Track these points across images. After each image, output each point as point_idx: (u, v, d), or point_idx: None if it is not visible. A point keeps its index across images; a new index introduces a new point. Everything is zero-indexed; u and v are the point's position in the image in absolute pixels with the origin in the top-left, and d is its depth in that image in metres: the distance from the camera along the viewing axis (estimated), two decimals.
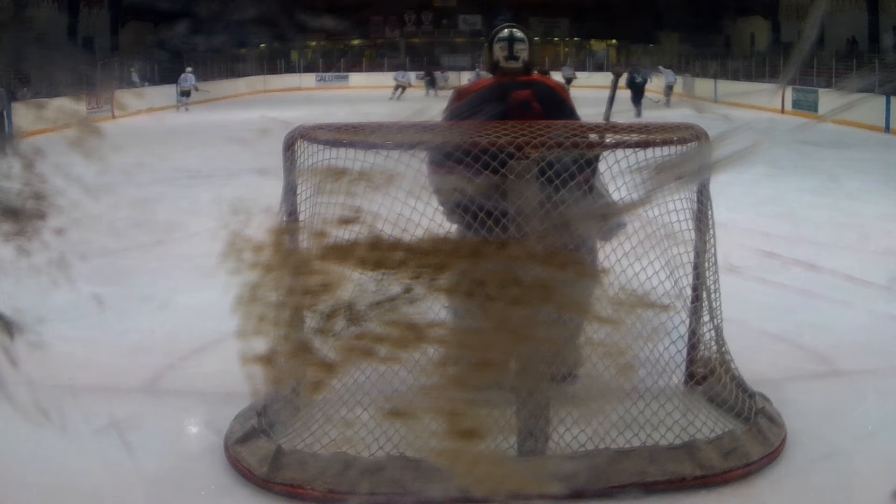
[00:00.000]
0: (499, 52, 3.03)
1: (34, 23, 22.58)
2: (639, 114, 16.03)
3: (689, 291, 3.01)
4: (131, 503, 2.53)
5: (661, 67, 23.65)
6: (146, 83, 23.53)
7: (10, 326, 2.32)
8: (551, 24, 39.62)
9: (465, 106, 2.91)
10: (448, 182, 2.53)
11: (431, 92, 27.01)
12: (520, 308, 2.15)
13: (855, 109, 12.46)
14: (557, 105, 2.93)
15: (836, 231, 6.38)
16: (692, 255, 3.01)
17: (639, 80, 17.93)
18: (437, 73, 28.78)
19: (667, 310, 2.83)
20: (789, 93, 18.82)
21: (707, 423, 2.77)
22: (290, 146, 2.92)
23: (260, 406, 2.85)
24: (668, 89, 22.34)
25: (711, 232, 3.09)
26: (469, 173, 2.44)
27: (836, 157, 11.03)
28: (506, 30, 3.08)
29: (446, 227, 2.59)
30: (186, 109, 21.95)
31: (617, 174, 2.64)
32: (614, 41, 38.80)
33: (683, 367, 3.13)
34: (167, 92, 23.01)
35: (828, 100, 16.90)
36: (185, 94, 22.56)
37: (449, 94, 3.16)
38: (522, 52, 3.03)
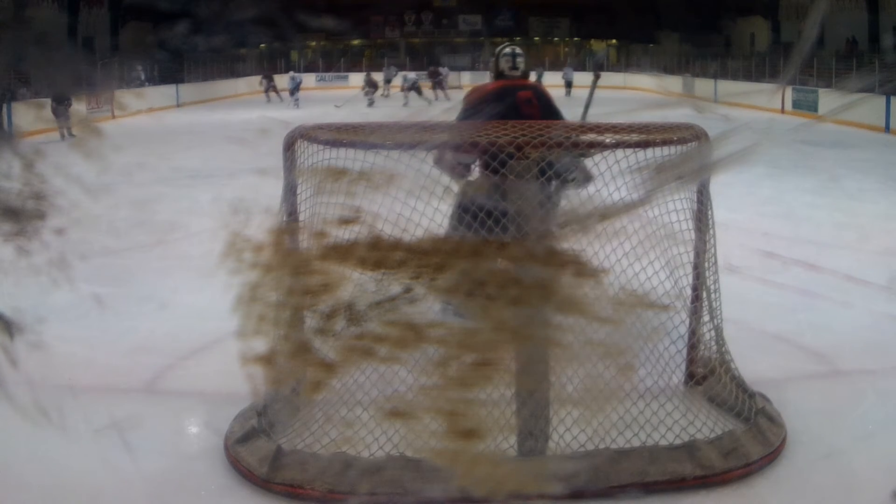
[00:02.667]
0: (504, 63, 3.84)
1: (34, 23, 22.56)
2: None
3: (689, 291, 3.01)
4: (131, 503, 2.54)
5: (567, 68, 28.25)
6: (147, 83, 23.55)
7: (10, 326, 2.32)
8: (551, 24, 39.62)
9: (481, 101, 3.63)
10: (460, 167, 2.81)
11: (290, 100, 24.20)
12: (519, 307, 2.15)
13: (855, 109, 12.45)
14: (549, 104, 3.72)
15: (836, 231, 6.38)
16: (692, 255, 3.01)
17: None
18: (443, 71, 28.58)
19: (667, 310, 2.84)
20: (789, 93, 18.81)
21: (707, 423, 2.77)
22: (290, 146, 2.92)
23: (260, 406, 2.85)
24: (568, 85, 26.33)
25: (711, 232, 3.09)
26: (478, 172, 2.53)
27: (836, 157, 11.03)
28: (508, 47, 3.88)
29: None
30: (297, 104, 23.82)
31: (617, 174, 2.64)
32: (614, 41, 38.79)
33: (683, 367, 3.13)
34: (167, 92, 23.00)
35: (828, 100, 16.89)
36: (294, 91, 24.55)
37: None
38: (521, 63, 3.84)
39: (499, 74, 3.83)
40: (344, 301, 2.22)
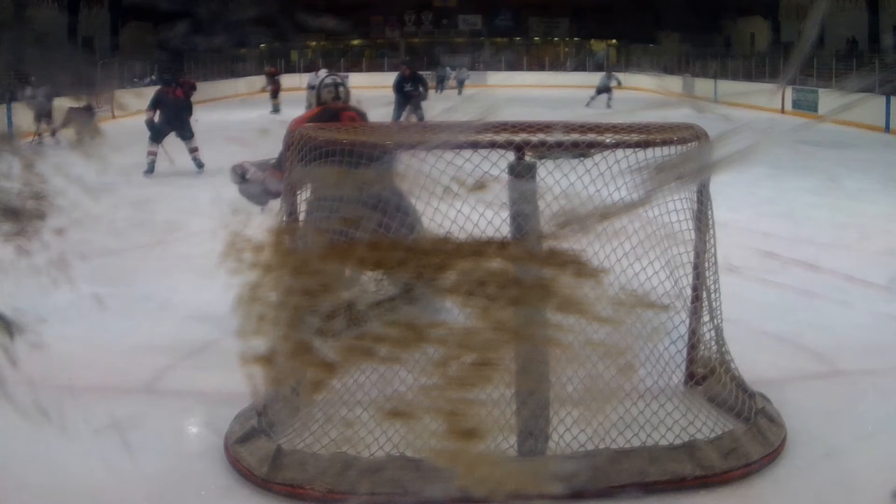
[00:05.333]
0: (326, 94, 4.09)
1: (34, 23, 22.56)
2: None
3: (689, 291, 3.01)
4: (131, 503, 2.54)
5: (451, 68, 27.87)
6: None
7: (10, 326, 2.31)
8: (551, 24, 39.63)
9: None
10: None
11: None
12: (519, 307, 2.15)
13: (855, 109, 12.45)
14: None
15: (836, 231, 6.38)
16: (692, 255, 3.01)
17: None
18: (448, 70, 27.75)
19: (667, 310, 2.84)
20: (789, 93, 18.80)
21: (707, 423, 2.77)
22: (289, 146, 2.92)
23: (260, 406, 2.85)
24: (461, 84, 27.01)
25: (711, 232, 3.09)
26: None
27: (836, 157, 11.03)
28: (330, 78, 4.17)
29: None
30: (609, 106, 19.98)
31: (617, 174, 2.65)
32: (614, 41, 38.80)
33: (683, 367, 3.13)
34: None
35: (828, 100, 16.88)
36: (605, 90, 20.68)
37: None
38: (343, 93, 4.12)
39: (321, 104, 4.08)
40: (344, 301, 2.22)
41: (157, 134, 9.35)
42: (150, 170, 9.23)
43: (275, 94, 19.72)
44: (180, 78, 19.07)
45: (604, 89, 20.74)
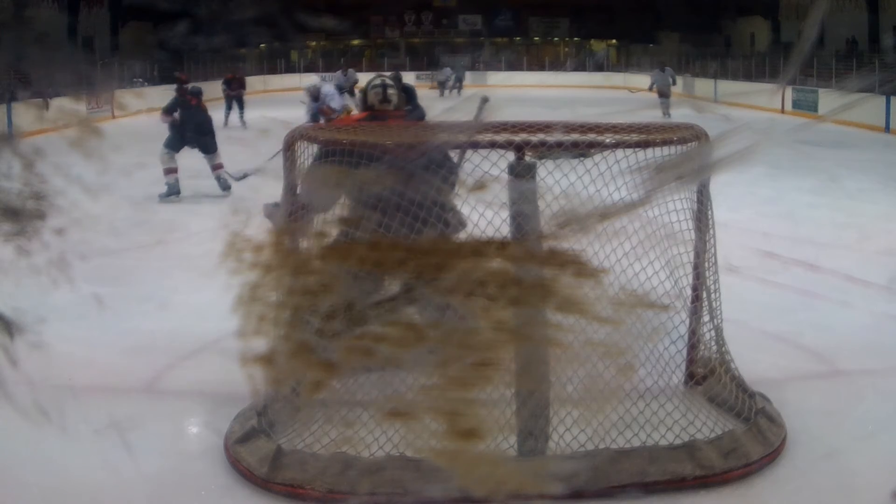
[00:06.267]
0: (373, 97, 3.57)
1: (34, 23, 22.54)
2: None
3: (689, 291, 3.01)
4: (131, 503, 2.54)
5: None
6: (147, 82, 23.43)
7: (10, 326, 2.31)
8: (551, 24, 39.62)
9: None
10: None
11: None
12: (519, 307, 2.15)
13: (855, 109, 12.44)
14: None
15: (836, 231, 6.38)
16: (692, 255, 3.01)
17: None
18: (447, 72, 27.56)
19: (667, 310, 2.84)
20: (789, 93, 18.79)
21: (707, 423, 2.77)
22: (290, 146, 2.92)
23: (260, 406, 2.85)
24: (442, 86, 26.58)
25: (711, 232, 3.09)
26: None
27: (836, 157, 11.02)
28: (378, 79, 3.64)
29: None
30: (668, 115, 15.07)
31: (617, 174, 2.65)
32: (614, 41, 38.78)
33: (683, 367, 3.13)
34: (167, 92, 22.95)
35: (828, 100, 16.87)
36: (665, 95, 16.38)
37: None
38: (393, 97, 3.58)
39: (368, 108, 3.61)
40: (344, 301, 2.22)
41: (172, 144, 7.95)
42: (174, 191, 7.84)
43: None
44: (228, 75, 17.03)
45: (664, 93, 16.39)
